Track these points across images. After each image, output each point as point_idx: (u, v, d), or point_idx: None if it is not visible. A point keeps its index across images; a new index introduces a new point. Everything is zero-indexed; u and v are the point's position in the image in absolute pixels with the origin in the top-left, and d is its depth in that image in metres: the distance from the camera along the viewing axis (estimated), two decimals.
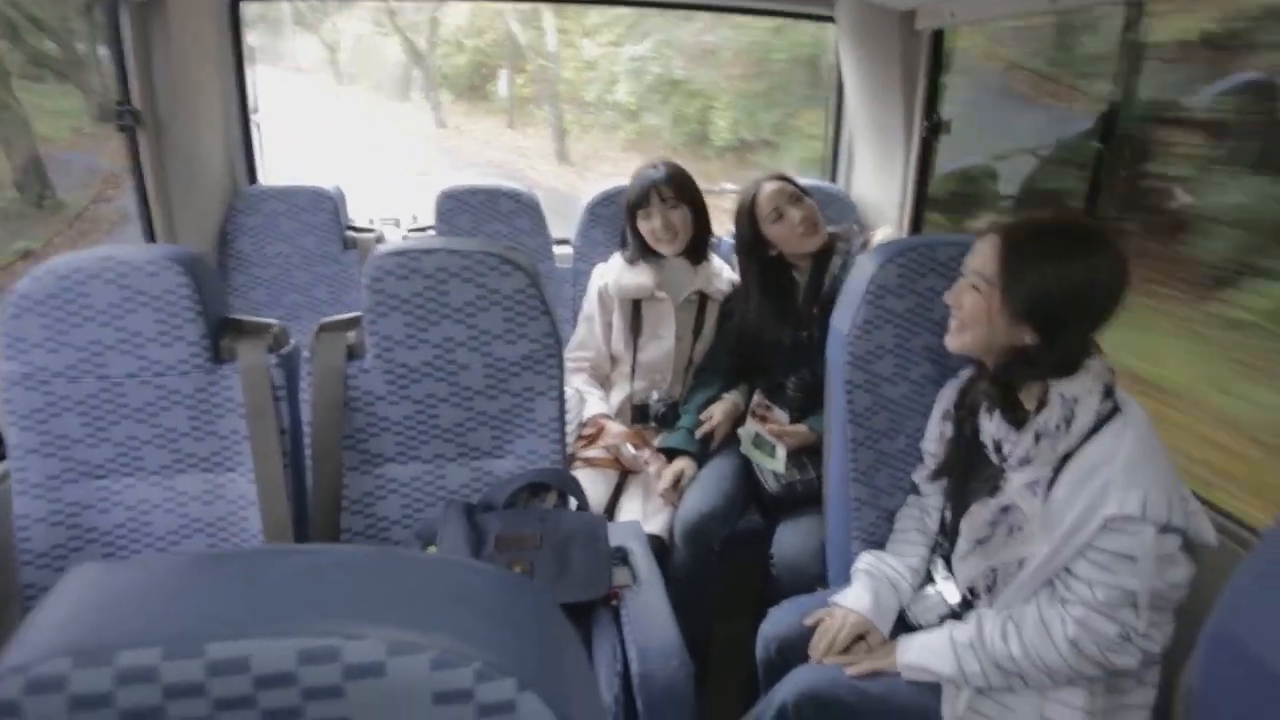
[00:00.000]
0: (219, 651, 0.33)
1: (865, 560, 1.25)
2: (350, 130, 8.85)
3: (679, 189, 1.77)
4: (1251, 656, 0.56)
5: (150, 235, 1.92)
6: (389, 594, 0.38)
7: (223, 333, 1.22)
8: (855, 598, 1.19)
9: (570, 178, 7.47)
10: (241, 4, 2.22)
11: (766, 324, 1.70)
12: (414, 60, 8.79)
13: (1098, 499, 0.96)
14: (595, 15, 7.07)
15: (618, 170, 6.90)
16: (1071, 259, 1.01)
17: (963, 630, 1.07)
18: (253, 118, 2.34)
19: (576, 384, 1.85)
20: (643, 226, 1.80)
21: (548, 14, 7.23)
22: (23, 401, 1.16)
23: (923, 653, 1.08)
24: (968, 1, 1.80)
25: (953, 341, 1.14)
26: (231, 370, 1.20)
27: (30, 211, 3.90)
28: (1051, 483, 1.02)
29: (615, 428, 1.74)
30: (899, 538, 1.29)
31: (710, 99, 6.68)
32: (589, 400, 1.80)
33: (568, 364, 1.85)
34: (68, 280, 1.15)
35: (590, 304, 1.89)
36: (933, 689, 1.09)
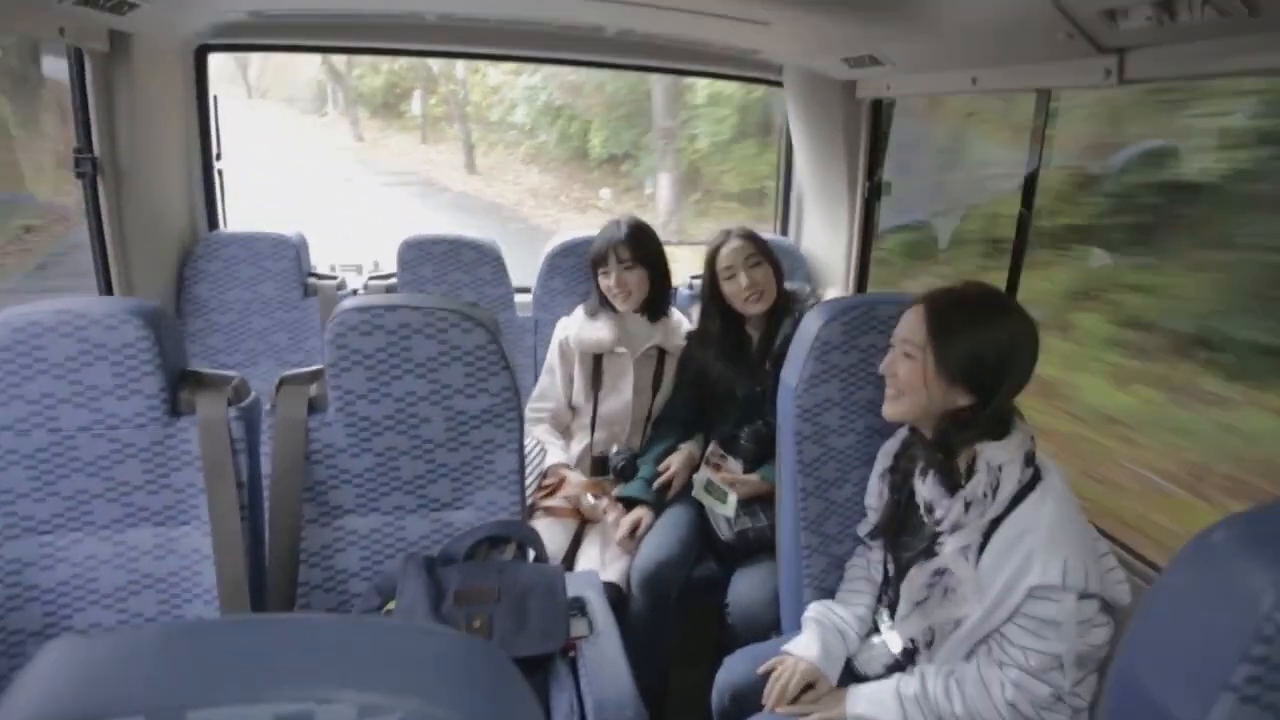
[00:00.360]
0: (199, 718, 0.36)
1: (815, 609, 1.29)
2: (267, 140, 9.19)
3: (636, 250, 1.84)
4: (1149, 697, 0.61)
5: (107, 283, 1.90)
6: (357, 660, 0.41)
7: (182, 385, 1.21)
8: (805, 646, 1.23)
9: (478, 185, 8.78)
10: (209, 54, 2.26)
11: (721, 373, 1.77)
12: (333, 79, 9.62)
13: (1022, 567, 1.02)
14: None
15: (519, 180, 8.17)
16: (993, 322, 1.09)
17: (908, 684, 1.11)
18: (216, 164, 2.35)
19: (538, 434, 1.88)
20: (601, 282, 1.87)
21: None
22: None
23: (871, 704, 1.13)
24: (901, 79, 1.96)
25: (890, 409, 1.19)
26: (189, 423, 1.20)
27: None
28: (981, 548, 1.08)
29: (575, 478, 1.77)
30: (847, 587, 1.34)
31: (587, 121, 8.35)
32: (550, 451, 1.83)
33: (529, 414, 1.88)
34: (23, 333, 1.14)
35: (553, 356, 1.94)
36: None
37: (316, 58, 9.24)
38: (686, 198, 7.79)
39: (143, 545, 1.22)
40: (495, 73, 8.68)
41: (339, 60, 9.54)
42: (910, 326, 1.15)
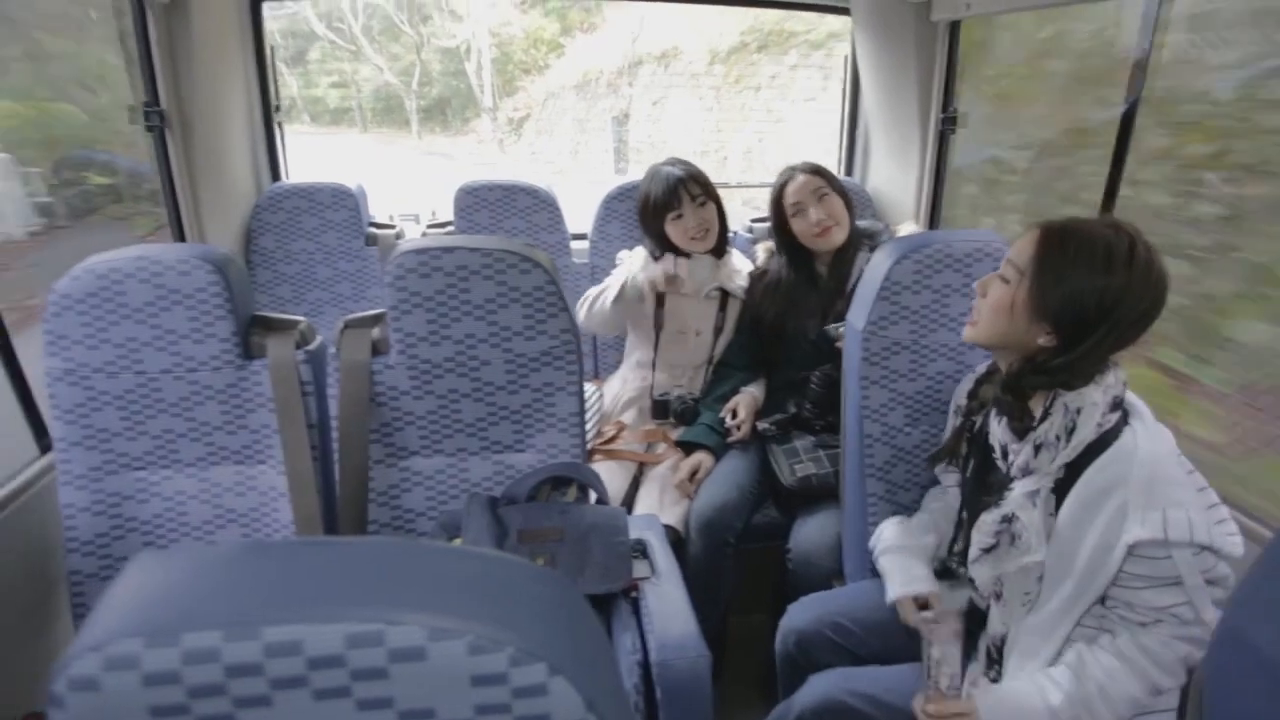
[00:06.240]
0: (274, 635, 0.35)
1: (890, 539, 1.26)
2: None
3: (703, 185, 1.78)
4: (1257, 651, 0.56)
5: (180, 233, 1.97)
6: (424, 583, 0.40)
7: (252, 329, 1.25)
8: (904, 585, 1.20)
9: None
10: (263, 3, 2.26)
11: (790, 314, 1.71)
12: None
13: (1115, 523, 0.93)
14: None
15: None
16: (1110, 270, 0.96)
17: (1055, 688, 0.98)
18: (275, 116, 2.38)
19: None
20: (673, 230, 1.77)
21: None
22: (66, 396, 1.21)
23: (1014, 714, 1.01)
24: None
25: (968, 331, 1.12)
26: (261, 366, 1.24)
27: None
28: (1060, 498, 0.99)
29: (630, 422, 1.77)
30: (917, 520, 1.29)
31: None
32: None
33: (579, 313, 1.77)
34: (105, 280, 1.19)
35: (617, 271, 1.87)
36: None
37: None
38: None
39: (225, 482, 1.28)
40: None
41: None
42: (1018, 249, 1.04)
